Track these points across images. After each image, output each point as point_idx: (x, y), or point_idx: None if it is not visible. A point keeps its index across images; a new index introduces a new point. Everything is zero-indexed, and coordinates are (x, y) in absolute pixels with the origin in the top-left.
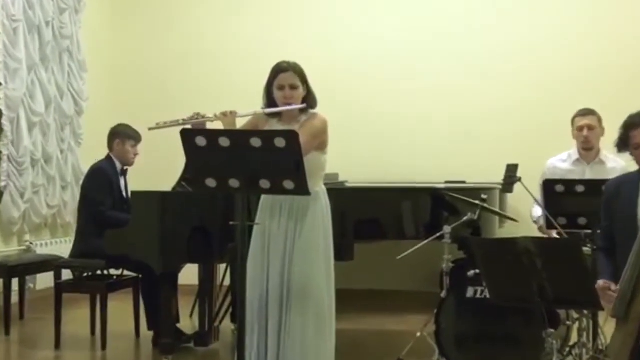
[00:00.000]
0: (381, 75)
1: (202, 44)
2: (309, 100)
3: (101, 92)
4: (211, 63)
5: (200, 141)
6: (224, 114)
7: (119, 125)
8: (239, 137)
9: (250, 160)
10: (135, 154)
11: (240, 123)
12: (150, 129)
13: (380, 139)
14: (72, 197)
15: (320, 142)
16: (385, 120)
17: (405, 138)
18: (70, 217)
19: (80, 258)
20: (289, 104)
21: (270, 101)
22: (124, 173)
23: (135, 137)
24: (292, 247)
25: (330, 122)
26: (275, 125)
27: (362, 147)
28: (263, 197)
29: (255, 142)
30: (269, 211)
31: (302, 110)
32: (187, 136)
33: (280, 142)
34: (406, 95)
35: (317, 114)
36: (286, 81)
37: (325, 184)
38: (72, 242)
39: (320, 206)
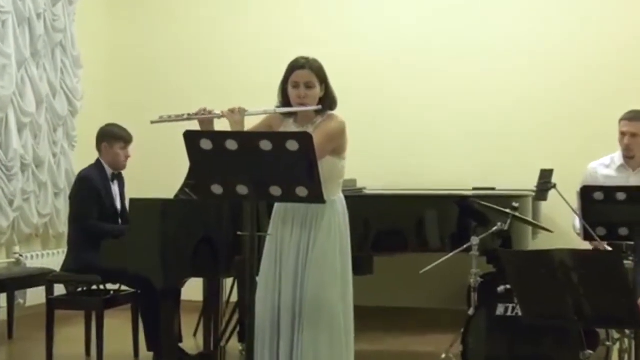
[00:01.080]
0: (402, 73)
1: (208, 38)
2: (327, 100)
3: (97, 90)
4: (219, 58)
5: (206, 144)
6: (232, 111)
7: (106, 126)
8: (248, 139)
9: (260, 165)
10: (127, 156)
11: (252, 123)
12: (153, 122)
13: (402, 141)
14: (65, 205)
15: (337, 146)
16: (407, 121)
17: (429, 141)
18: (64, 226)
19: (73, 272)
20: (303, 104)
21: (285, 99)
22: (117, 178)
23: (124, 137)
24: (305, 260)
25: (347, 123)
26: (290, 127)
27: (381, 150)
28: (276, 205)
29: (265, 145)
30: (281, 220)
31: (318, 111)
32: (191, 138)
33: (292, 145)
34: (430, 94)
35: (334, 115)
36: (301, 79)
37: (342, 191)
38: (65, 254)
39: (337, 215)
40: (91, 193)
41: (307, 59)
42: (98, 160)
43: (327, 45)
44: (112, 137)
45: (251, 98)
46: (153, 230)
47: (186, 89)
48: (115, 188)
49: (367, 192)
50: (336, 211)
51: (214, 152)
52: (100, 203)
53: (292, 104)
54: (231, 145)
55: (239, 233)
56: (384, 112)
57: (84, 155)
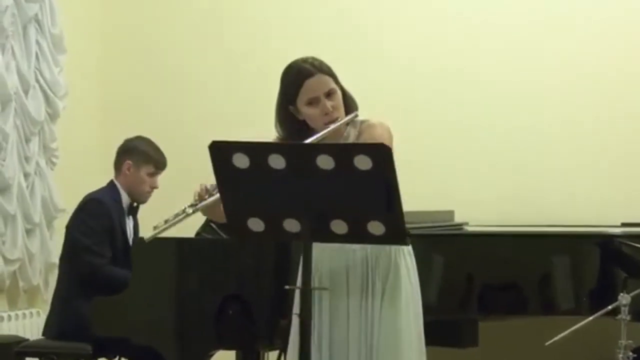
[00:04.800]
0: (518, 66)
1: (236, 17)
2: (347, 102)
3: (87, 84)
4: (248, 42)
5: (240, 160)
6: None
7: (136, 140)
8: (300, 154)
9: (318, 191)
10: (153, 187)
11: None
12: (147, 239)
13: (516, 158)
14: (42, 247)
15: None
16: (523, 131)
17: (556, 156)
18: (39, 277)
19: (56, 338)
20: (333, 121)
21: (292, 126)
22: (133, 212)
23: (158, 161)
24: (371, 332)
25: (434, 132)
26: None
27: (487, 170)
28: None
29: (325, 161)
30: (327, 269)
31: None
32: (220, 152)
33: (363, 162)
34: (554, 92)
35: (372, 121)
36: (319, 89)
37: (434, 228)
38: (45, 314)
39: (405, 263)
40: (103, 223)
41: (307, 61)
42: (112, 184)
43: (402, 29)
44: (142, 156)
45: None
46: (165, 282)
47: (207, 83)
48: (130, 225)
49: (469, 229)
50: (405, 257)
51: (253, 172)
52: (113, 240)
53: (315, 128)
54: (276, 162)
55: (286, 287)
56: (488, 121)
57: (68, 177)
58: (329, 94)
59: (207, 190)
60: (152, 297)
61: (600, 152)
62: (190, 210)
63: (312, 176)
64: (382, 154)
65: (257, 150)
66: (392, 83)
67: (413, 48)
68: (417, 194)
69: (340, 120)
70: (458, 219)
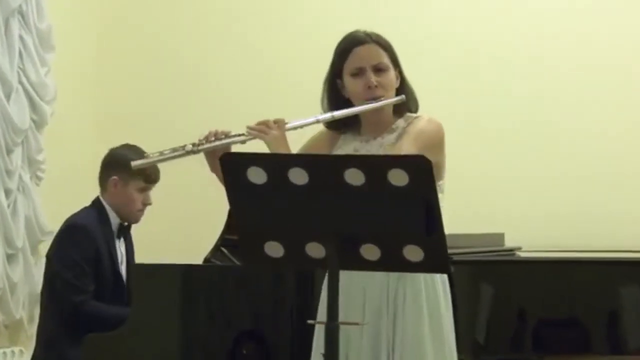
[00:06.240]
0: (578, 75)
1: (248, 12)
2: (405, 93)
3: (79, 86)
4: (261, 39)
5: (256, 175)
6: (265, 126)
7: (122, 149)
8: (326, 167)
9: (345, 210)
10: (146, 204)
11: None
12: (134, 165)
13: (577, 173)
14: (26, 275)
15: (435, 161)
16: (584, 140)
17: (624, 172)
18: (22, 310)
19: None
20: (376, 98)
21: (335, 103)
22: (124, 232)
23: (147, 174)
24: None
25: (478, 146)
26: (350, 144)
27: (543, 188)
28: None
29: (354, 176)
30: (343, 299)
31: (396, 112)
32: (233, 166)
33: (398, 177)
34: (619, 100)
35: (422, 116)
36: (367, 60)
37: (481, 253)
38: (30, 352)
39: (434, 291)
40: (87, 252)
41: (366, 32)
42: (99, 202)
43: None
44: (129, 169)
45: (300, 103)
46: (169, 315)
47: (215, 85)
48: (122, 248)
49: (522, 255)
50: (432, 284)
51: (271, 189)
52: (100, 270)
53: (354, 104)
54: (298, 176)
55: (309, 322)
56: (541, 124)
57: (58, 194)
58: (378, 69)
59: (216, 133)
60: (154, 332)
61: None
62: (190, 147)
63: (339, 193)
64: (420, 167)
65: (275, 163)
66: (437, 87)
67: (467, 52)
68: (461, 214)
69: (384, 100)
70: (509, 243)
